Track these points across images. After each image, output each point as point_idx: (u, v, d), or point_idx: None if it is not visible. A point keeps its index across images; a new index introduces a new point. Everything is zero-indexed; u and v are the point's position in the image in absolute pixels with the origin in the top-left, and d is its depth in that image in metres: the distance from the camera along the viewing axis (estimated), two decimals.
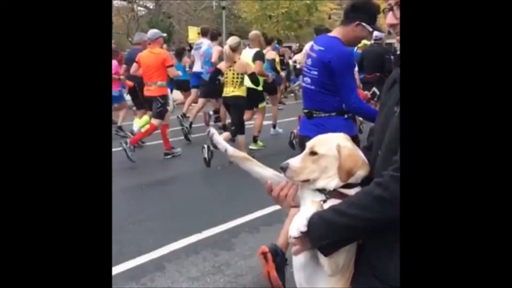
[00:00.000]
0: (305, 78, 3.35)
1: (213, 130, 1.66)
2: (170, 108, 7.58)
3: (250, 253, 3.88)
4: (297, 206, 1.56)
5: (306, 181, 1.49)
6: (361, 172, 1.48)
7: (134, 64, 7.30)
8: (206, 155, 6.25)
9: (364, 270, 1.46)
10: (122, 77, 8.90)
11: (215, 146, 1.64)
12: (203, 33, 9.79)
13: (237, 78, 6.61)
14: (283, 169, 1.50)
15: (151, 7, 31.65)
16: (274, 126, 8.90)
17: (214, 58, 8.21)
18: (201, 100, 8.91)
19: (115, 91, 8.82)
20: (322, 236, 1.36)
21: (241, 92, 6.63)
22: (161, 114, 6.98)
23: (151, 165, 7.00)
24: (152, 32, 7.29)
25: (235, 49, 6.63)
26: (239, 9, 29.41)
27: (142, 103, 8.03)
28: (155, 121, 6.98)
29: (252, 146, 7.33)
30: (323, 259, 1.42)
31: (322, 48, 3.18)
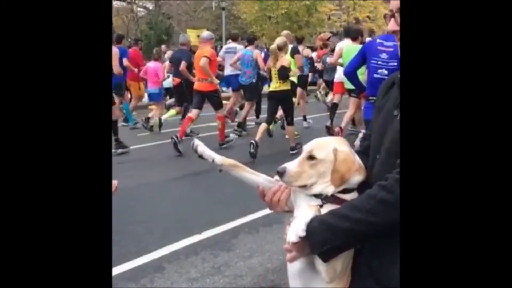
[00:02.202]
0: (380, 71, 4.54)
1: (197, 142, 1.61)
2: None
3: (249, 254, 3.88)
4: (291, 211, 1.52)
5: (303, 186, 1.45)
6: (358, 177, 1.45)
7: (183, 63, 8.48)
8: (252, 150, 6.99)
9: (362, 274, 1.44)
10: (166, 76, 9.86)
11: (201, 157, 1.60)
12: (233, 39, 10.46)
13: (277, 73, 7.18)
14: (280, 174, 1.46)
15: (150, 7, 31.65)
16: (304, 118, 9.75)
17: (262, 65, 8.75)
18: (248, 104, 9.58)
19: (155, 88, 9.86)
20: (324, 241, 1.32)
21: (286, 86, 7.29)
22: (220, 103, 7.96)
23: (151, 166, 7.00)
24: (205, 33, 8.47)
25: (281, 48, 7.22)
26: (238, 10, 29.38)
27: (182, 100, 8.98)
28: (219, 112, 7.94)
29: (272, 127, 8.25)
30: (320, 265, 1.38)
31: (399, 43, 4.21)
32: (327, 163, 1.44)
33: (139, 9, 32.79)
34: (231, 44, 10.24)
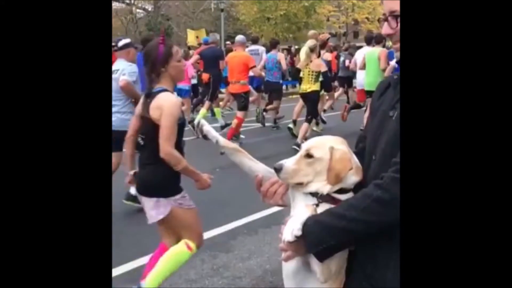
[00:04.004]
0: None
1: (203, 121, 1.61)
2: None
3: (248, 255, 3.88)
4: (285, 205, 1.52)
5: (300, 184, 1.46)
6: (354, 178, 1.45)
7: (221, 62, 9.21)
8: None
9: (356, 278, 1.44)
10: (194, 73, 10.56)
11: (205, 137, 1.59)
12: (254, 41, 11.40)
13: (312, 75, 7.87)
14: (277, 170, 1.46)
15: (149, 9, 31.65)
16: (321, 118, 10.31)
17: (284, 66, 10.01)
18: (276, 102, 10.29)
19: (185, 85, 10.29)
20: (320, 240, 1.32)
21: (316, 87, 7.97)
22: (245, 107, 8.49)
23: None
24: (240, 37, 9.14)
25: (312, 50, 7.88)
26: (237, 11, 29.42)
27: (212, 94, 9.49)
28: (240, 114, 8.37)
29: (315, 128, 9.03)
30: (316, 265, 1.38)
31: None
32: (324, 162, 1.44)
33: (138, 10, 32.83)
34: (253, 46, 10.98)
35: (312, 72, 7.86)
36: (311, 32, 9.76)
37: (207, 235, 4.29)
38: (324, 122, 10.17)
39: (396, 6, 1.36)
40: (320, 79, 8.13)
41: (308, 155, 1.46)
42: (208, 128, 1.60)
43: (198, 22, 28.70)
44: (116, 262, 3.61)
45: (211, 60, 9.23)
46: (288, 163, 1.46)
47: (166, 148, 2.77)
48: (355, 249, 1.45)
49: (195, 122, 1.77)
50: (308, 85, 7.92)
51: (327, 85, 8.77)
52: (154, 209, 2.95)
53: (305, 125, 7.98)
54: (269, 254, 3.89)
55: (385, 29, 1.42)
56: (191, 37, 14.58)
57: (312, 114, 8.14)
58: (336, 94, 12.13)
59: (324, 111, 10.42)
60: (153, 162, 2.88)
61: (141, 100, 3.02)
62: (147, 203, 2.97)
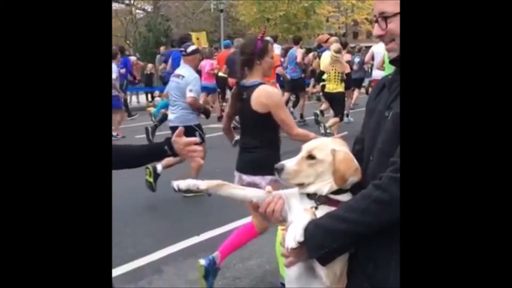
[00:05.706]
0: None
1: (176, 182, 1.58)
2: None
3: (248, 256, 3.88)
4: (285, 221, 1.52)
5: (300, 184, 1.47)
6: (353, 178, 1.46)
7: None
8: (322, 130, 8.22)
9: (357, 279, 1.44)
10: (217, 71, 10.90)
11: (188, 192, 1.57)
12: (273, 40, 11.73)
13: (338, 75, 8.55)
14: (278, 171, 1.47)
15: (149, 9, 31.63)
16: (347, 115, 10.82)
17: (299, 59, 10.57)
18: (286, 94, 10.69)
19: (211, 83, 10.85)
20: (321, 245, 1.32)
21: (341, 88, 8.66)
22: None
23: None
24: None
25: (338, 52, 8.58)
26: (237, 11, 29.42)
27: None
28: None
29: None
30: (320, 270, 1.38)
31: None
32: (326, 163, 1.45)
33: (137, 11, 32.80)
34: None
35: (339, 73, 8.52)
36: (333, 38, 10.64)
37: (207, 235, 4.31)
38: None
39: (385, 7, 1.36)
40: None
41: (310, 157, 1.46)
42: (184, 183, 1.57)
43: (198, 23, 28.69)
44: (116, 262, 3.62)
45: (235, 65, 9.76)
46: (290, 164, 1.47)
47: (292, 132, 3.16)
48: (356, 250, 1.45)
49: (173, 185, 1.79)
50: (335, 85, 8.55)
51: (347, 84, 9.37)
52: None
53: (336, 118, 8.61)
54: (269, 255, 3.89)
55: (376, 30, 1.42)
56: (191, 40, 14.64)
57: (339, 114, 8.68)
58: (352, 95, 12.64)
59: (347, 115, 10.89)
60: (258, 146, 3.14)
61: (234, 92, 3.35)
62: (263, 181, 3.12)
